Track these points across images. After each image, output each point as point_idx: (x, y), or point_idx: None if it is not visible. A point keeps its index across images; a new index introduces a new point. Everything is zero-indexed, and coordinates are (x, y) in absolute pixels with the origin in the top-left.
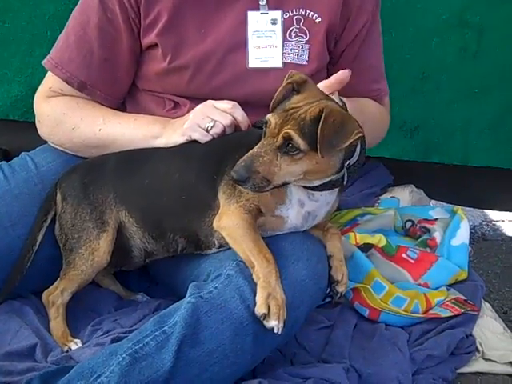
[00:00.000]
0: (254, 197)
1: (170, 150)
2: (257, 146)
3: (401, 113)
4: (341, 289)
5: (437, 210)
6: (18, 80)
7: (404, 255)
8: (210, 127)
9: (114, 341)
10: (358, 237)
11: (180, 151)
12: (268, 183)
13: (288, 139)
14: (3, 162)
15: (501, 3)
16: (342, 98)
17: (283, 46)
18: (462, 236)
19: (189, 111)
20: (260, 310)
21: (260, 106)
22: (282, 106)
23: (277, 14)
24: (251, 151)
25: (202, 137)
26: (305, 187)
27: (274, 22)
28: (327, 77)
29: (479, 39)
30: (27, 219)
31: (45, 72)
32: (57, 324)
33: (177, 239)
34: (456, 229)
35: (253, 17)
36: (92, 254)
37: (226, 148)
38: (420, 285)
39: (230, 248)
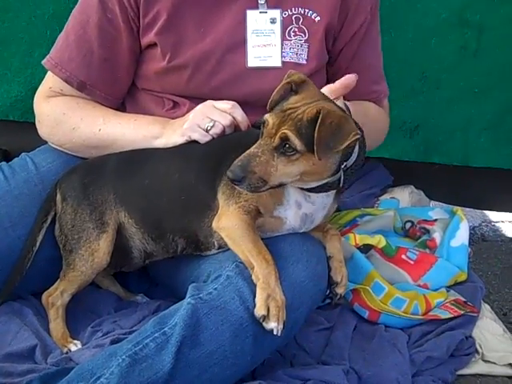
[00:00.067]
0: (252, 198)
1: (170, 150)
2: (254, 146)
3: (400, 113)
4: (340, 290)
5: (436, 210)
6: (17, 80)
7: (404, 256)
8: (209, 127)
9: (113, 342)
10: (357, 238)
11: (180, 151)
12: (264, 183)
13: (285, 140)
14: (3, 163)
15: (501, 2)
16: (345, 102)
17: (282, 45)
18: (462, 237)
19: (188, 111)
20: (259, 311)
21: (259, 105)
22: (279, 106)
23: (276, 13)
24: (248, 151)
25: (202, 137)
26: (301, 189)
27: (273, 20)
28: (327, 77)
29: (479, 38)
30: (27, 220)
31: (45, 72)
32: (56, 325)
33: (176, 240)
34: (455, 230)
35: (252, 16)
36: (92, 254)
37: (225, 148)
38: (420, 286)
39: (229, 249)
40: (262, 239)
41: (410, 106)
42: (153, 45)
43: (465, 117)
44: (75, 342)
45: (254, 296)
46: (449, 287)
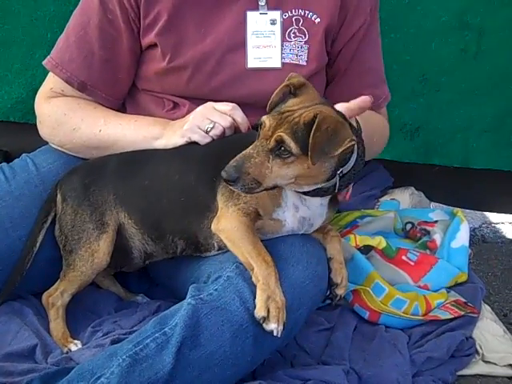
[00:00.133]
0: (252, 200)
1: (170, 151)
2: (250, 147)
3: (401, 115)
4: (340, 292)
5: (437, 212)
6: (18, 82)
7: (404, 257)
8: (209, 129)
9: (113, 342)
10: (357, 239)
11: (180, 153)
12: (258, 185)
13: (280, 142)
14: (4, 164)
15: (501, 5)
16: (357, 119)
17: (282, 46)
18: (462, 238)
19: (188, 111)
20: (259, 312)
21: (259, 106)
22: (277, 109)
23: (276, 15)
24: (244, 152)
25: (202, 138)
26: (297, 192)
27: (273, 22)
28: (326, 79)
29: (479, 41)
30: (28, 220)
31: (45, 74)
32: (57, 325)
33: (176, 241)
34: (456, 231)
35: (252, 17)
36: (92, 255)
37: (225, 150)
38: (420, 287)
39: (229, 250)
40: (262, 240)
41: (411, 108)
42: (153, 45)
43: (465, 119)
44: (75, 341)
45: (255, 297)
46: (449, 288)
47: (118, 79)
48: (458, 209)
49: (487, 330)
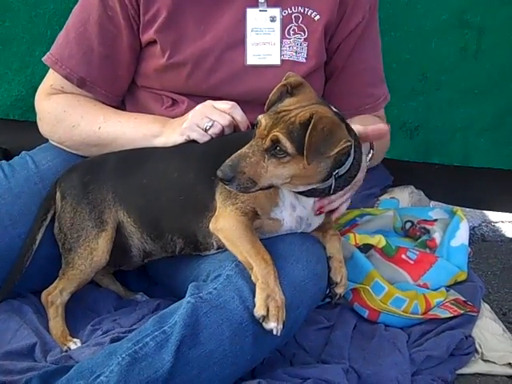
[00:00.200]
0: (249, 199)
1: (169, 149)
2: (245, 147)
3: (401, 113)
4: (340, 290)
5: (436, 210)
6: (18, 79)
7: (403, 256)
8: (208, 127)
9: (113, 340)
10: (357, 237)
11: (179, 151)
12: (254, 184)
13: (276, 142)
14: (3, 161)
15: (501, 4)
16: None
17: (281, 43)
18: (462, 237)
19: (187, 108)
20: (259, 311)
21: (258, 104)
22: (274, 108)
23: (276, 12)
24: (239, 151)
25: (201, 137)
26: (294, 192)
27: (272, 19)
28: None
29: (479, 39)
30: (27, 218)
31: (45, 71)
32: (56, 324)
33: (175, 240)
34: (455, 230)
35: (252, 14)
36: (91, 253)
37: (224, 148)
38: (419, 286)
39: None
40: (261, 239)
41: (411, 106)
42: (152, 42)
43: (465, 117)
44: (75, 340)
45: (254, 295)
46: (449, 287)
47: (117, 76)
48: (458, 207)
49: (486, 328)
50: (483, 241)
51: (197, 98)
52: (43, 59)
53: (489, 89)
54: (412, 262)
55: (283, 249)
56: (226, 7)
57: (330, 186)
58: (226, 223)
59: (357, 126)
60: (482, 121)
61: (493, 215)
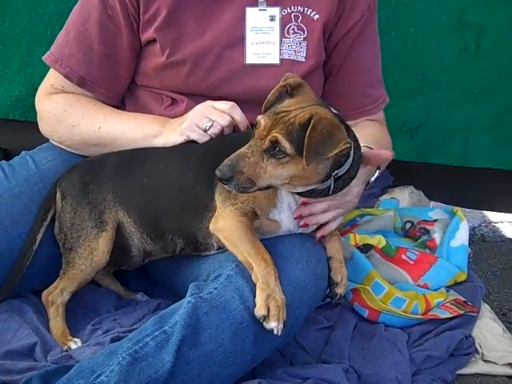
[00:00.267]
0: (249, 199)
1: (169, 149)
2: (245, 147)
3: (401, 113)
4: (340, 290)
5: (436, 211)
6: (18, 79)
7: (403, 256)
8: (207, 127)
9: (113, 340)
10: (357, 237)
11: (179, 151)
12: (252, 184)
13: (275, 142)
14: (3, 161)
15: (501, 4)
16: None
17: (281, 42)
18: (462, 237)
19: (186, 108)
20: (259, 311)
21: (258, 103)
22: (273, 109)
23: (275, 11)
24: (238, 151)
25: (200, 137)
26: (292, 193)
27: (272, 18)
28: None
29: (479, 40)
30: (28, 218)
31: (45, 71)
32: (56, 323)
33: (175, 240)
34: (455, 230)
35: (251, 13)
36: (91, 253)
37: (223, 148)
38: (419, 286)
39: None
40: (261, 240)
41: (411, 106)
42: (152, 41)
43: (465, 118)
44: (75, 339)
45: (254, 295)
46: (448, 287)
47: (117, 75)
48: (458, 208)
49: (486, 328)
50: (483, 241)
51: (196, 97)
52: (43, 58)
53: (489, 89)
54: (412, 263)
55: (283, 249)
56: (225, 6)
57: (329, 186)
58: (225, 223)
59: (364, 148)
60: (482, 121)
61: (493, 215)
